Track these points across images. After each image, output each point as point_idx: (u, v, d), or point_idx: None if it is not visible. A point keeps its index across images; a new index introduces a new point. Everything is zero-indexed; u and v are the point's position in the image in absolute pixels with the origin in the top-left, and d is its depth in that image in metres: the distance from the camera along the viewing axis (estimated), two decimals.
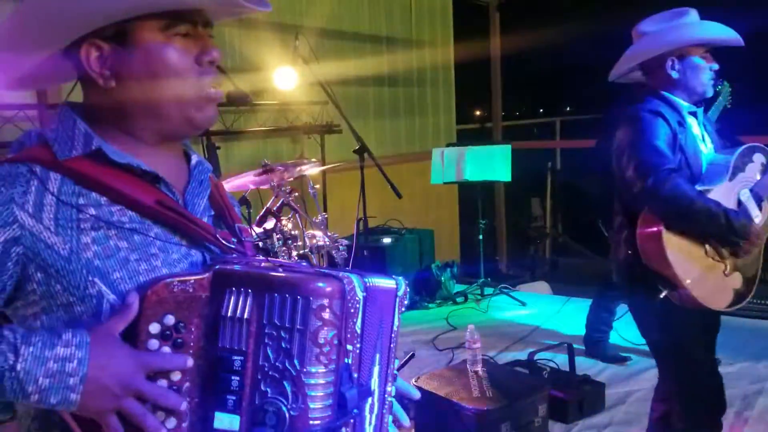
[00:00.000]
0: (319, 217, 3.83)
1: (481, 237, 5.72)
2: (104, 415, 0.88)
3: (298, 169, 3.68)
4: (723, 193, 2.25)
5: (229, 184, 3.43)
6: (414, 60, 6.90)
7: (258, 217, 3.49)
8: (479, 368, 3.27)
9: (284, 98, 5.03)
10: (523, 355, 3.88)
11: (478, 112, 12.04)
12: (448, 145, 5.94)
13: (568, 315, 4.98)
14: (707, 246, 2.23)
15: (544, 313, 5.14)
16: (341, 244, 3.59)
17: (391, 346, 1.01)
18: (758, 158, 2.36)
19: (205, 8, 1.00)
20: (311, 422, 0.87)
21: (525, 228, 8.07)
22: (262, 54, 4.80)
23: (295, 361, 0.87)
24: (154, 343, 0.90)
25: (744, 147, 2.34)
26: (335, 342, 0.88)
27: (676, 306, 2.23)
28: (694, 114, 2.39)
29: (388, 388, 1.02)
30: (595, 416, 3.33)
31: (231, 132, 4.67)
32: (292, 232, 3.47)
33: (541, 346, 3.99)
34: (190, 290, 0.91)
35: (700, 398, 2.39)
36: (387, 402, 1.02)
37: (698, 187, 2.23)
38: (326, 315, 0.87)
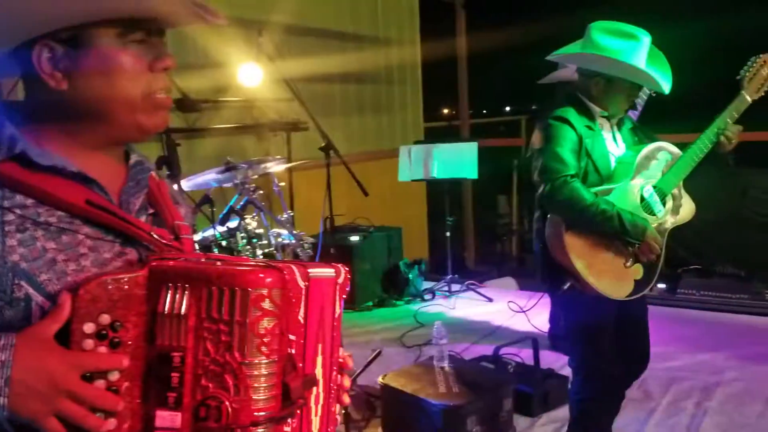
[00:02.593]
0: (285, 216, 3.80)
1: (448, 234, 5.75)
2: (41, 418, 0.86)
3: (263, 166, 3.65)
4: (625, 191, 2.41)
5: (191, 182, 3.39)
6: (381, 57, 6.89)
7: (221, 216, 3.45)
8: (446, 364, 3.28)
9: (249, 95, 4.98)
10: (489, 351, 3.91)
11: (446, 110, 12.07)
12: (415, 143, 5.97)
13: (535, 310, 5.03)
14: (608, 241, 2.38)
15: (511, 308, 5.18)
16: (307, 243, 3.57)
17: (334, 334, 1.02)
18: (662, 156, 2.48)
19: (161, 17, 1.01)
20: (255, 414, 0.87)
21: (492, 225, 8.12)
22: (226, 50, 4.75)
23: (236, 354, 0.86)
24: (89, 343, 0.89)
25: (649, 146, 2.47)
26: (277, 332, 0.88)
27: (590, 296, 2.40)
28: (607, 117, 2.52)
29: (334, 377, 1.03)
30: (559, 409, 3.36)
31: (194, 129, 4.61)
32: (257, 231, 3.43)
33: (506, 341, 4.02)
34: (126, 288, 0.90)
35: (599, 382, 2.56)
36: (333, 391, 1.03)
37: (603, 186, 2.39)
38: (266, 305, 0.87)
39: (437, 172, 5.58)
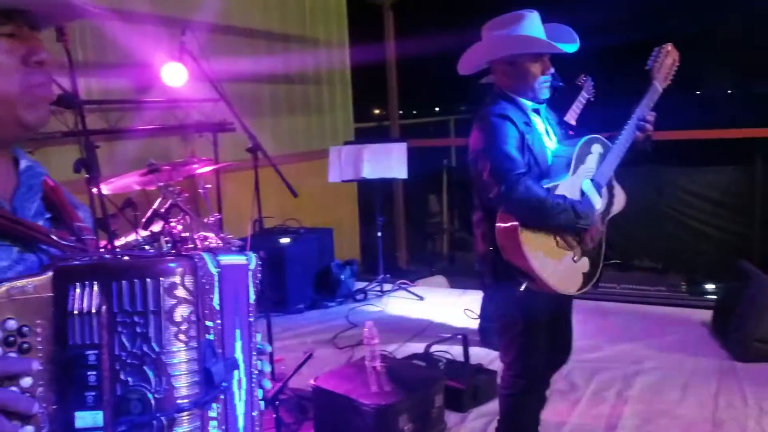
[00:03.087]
0: (212, 218, 3.72)
1: (380, 234, 5.77)
2: None
3: (188, 168, 3.56)
4: (569, 186, 2.46)
5: (111, 185, 3.27)
6: (310, 58, 6.85)
7: (144, 220, 3.35)
8: (377, 364, 3.29)
9: (173, 96, 4.86)
10: (420, 349, 3.95)
11: (376, 111, 12.12)
12: (345, 144, 5.96)
13: (464, 307, 5.12)
14: (557, 237, 2.42)
15: (442, 306, 5.26)
16: (233, 245, 3.51)
17: (250, 320, 1.03)
18: (596, 149, 2.55)
19: (32, 11, 0.99)
20: (179, 401, 0.87)
21: (423, 224, 8.21)
22: (148, 49, 4.61)
23: (154, 345, 0.86)
24: None
25: (584, 140, 2.52)
26: (193, 319, 0.89)
27: (532, 294, 2.42)
28: (537, 111, 2.56)
29: (254, 362, 1.04)
30: (488, 403, 3.43)
31: (114, 131, 4.46)
32: (183, 235, 3.35)
33: (437, 338, 4.07)
34: (31, 292, 0.88)
35: (530, 372, 2.63)
36: (254, 376, 1.04)
37: (547, 184, 2.42)
38: (180, 293, 0.88)
39: (367, 173, 5.60)
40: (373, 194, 5.91)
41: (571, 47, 2.54)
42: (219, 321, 0.94)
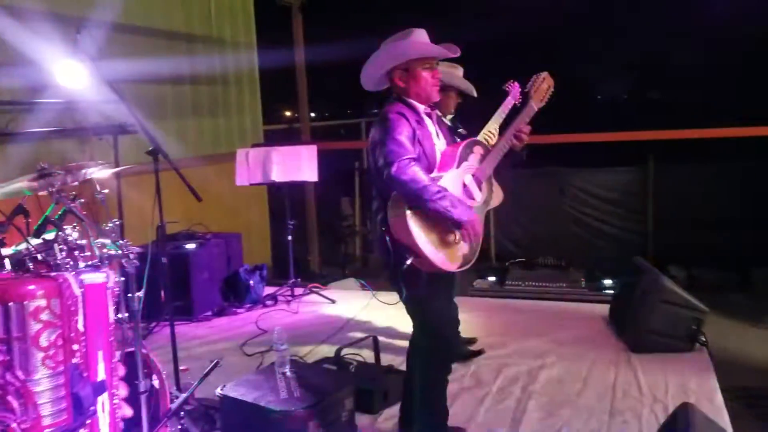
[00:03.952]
0: (110, 225, 3.56)
1: (290, 238, 5.71)
2: None
3: (83, 172, 3.38)
4: (452, 179, 2.78)
5: (1, 192, 3.07)
6: (216, 59, 6.71)
7: (36, 227, 3.16)
8: (287, 369, 3.25)
9: (70, 97, 4.62)
10: (332, 352, 3.93)
11: (287, 113, 11.99)
12: (253, 146, 5.85)
13: (376, 309, 5.15)
14: (440, 221, 2.68)
15: (353, 308, 5.26)
16: (132, 252, 3.37)
17: (110, 340, 0.99)
18: (477, 150, 2.91)
19: None
20: (46, 430, 0.81)
21: (336, 227, 8.20)
22: (41, 48, 4.37)
23: (18, 372, 0.81)
24: None
25: (466, 141, 2.90)
26: (60, 343, 0.84)
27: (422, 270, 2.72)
28: (429, 115, 2.90)
29: (115, 383, 1.00)
30: (398, 404, 3.44)
31: (5, 134, 4.20)
32: (78, 242, 3.18)
33: (349, 341, 4.07)
34: None
35: (439, 340, 2.91)
36: (116, 399, 1.00)
37: (433, 174, 2.73)
38: (46, 316, 0.83)
39: (276, 176, 5.53)
40: (283, 197, 5.84)
41: (454, 52, 2.91)
42: (84, 343, 0.90)
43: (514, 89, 3.68)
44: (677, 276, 7.45)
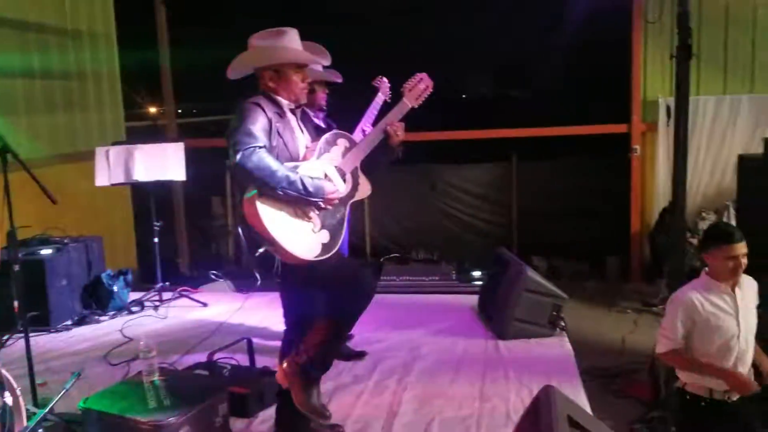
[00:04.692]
0: None
1: (157, 240, 5.45)
2: None
3: None
4: (311, 168, 2.79)
5: None
6: (71, 51, 6.28)
7: None
8: (156, 378, 3.11)
9: None
10: (204, 358, 3.81)
11: (153, 109, 11.46)
12: (114, 144, 5.54)
13: (250, 310, 5.04)
14: (296, 209, 2.70)
15: (226, 311, 5.12)
16: None
17: None
18: (342, 143, 2.95)
19: None
20: None
21: (207, 227, 7.94)
22: None
23: None
24: None
25: (329, 133, 2.94)
26: None
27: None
28: (293, 111, 2.91)
29: None
30: (275, 405, 3.39)
31: None
32: None
33: (222, 345, 3.95)
34: None
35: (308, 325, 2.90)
36: None
37: (290, 163, 2.73)
38: None
39: (140, 175, 5.27)
40: (149, 198, 5.56)
41: (325, 60, 3.05)
42: None
43: (383, 85, 3.80)
44: (539, 266, 7.90)
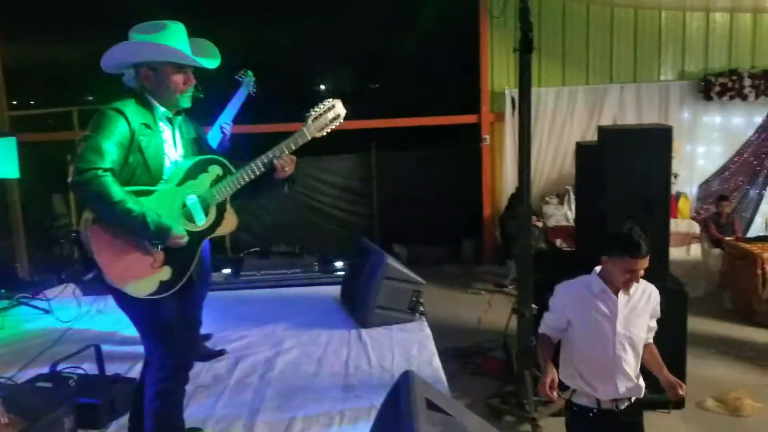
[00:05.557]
0: None
1: None
2: None
3: None
4: (165, 196, 2.52)
5: None
6: None
7: None
8: None
9: None
10: (47, 369, 3.52)
11: None
12: None
13: (100, 315, 4.74)
14: (136, 241, 2.45)
15: (71, 317, 4.77)
16: None
17: None
18: (214, 170, 2.63)
19: None
20: None
21: (48, 227, 7.36)
22: None
23: None
24: None
25: (201, 158, 2.64)
26: None
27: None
28: (170, 120, 2.61)
29: None
30: (128, 413, 3.21)
31: None
32: None
33: (67, 354, 3.67)
34: None
35: (172, 372, 2.67)
36: None
37: (147, 187, 2.48)
38: None
39: None
40: None
41: (212, 62, 2.64)
42: None
43: (248, 78, 3.57)
44: (400, 253, 8.10)
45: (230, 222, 2.71)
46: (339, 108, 2.74)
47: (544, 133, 8.12)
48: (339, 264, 5.68)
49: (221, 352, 3.98)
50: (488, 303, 6.74)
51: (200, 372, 3.73)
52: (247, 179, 2.62)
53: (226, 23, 7.38)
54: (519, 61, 4.63)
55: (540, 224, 7.43)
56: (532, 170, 5.17)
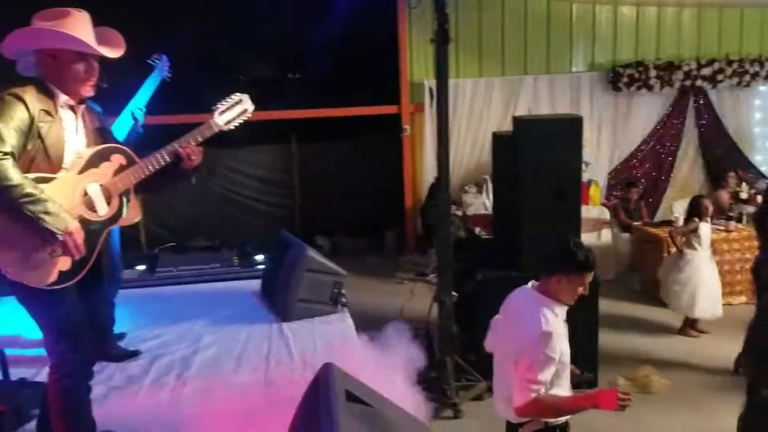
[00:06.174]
0: None
1: None
2: None
3: None
4: (66, 184, 2.48)
5: None
6: None
7: None
8: None
9: None
10: None
11: None
12: None
13: (2, 316, 4.48)
14: (33, 228, 2.36)
15: None
16: None
17: None
18: (117, 159, 2.61)
19: None
20: None
21: None
22: None
23: None
24: None
25: (102, 147, 2.61)
26: None
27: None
28: (73, 108, 2.57)
29: None
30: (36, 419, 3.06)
31: None
32: None
33: None
34: None
35: (65, 346, 2.57)
36: None
37: (46, 174, 2.43)
38: None
39: None
40: None
41: (115, 52, 2.60)
42: None
43: (161, 62, 3.49)
44: (323, 245, 8.07)
45: (134, 212, 2.69)
46: (246, 103, 2.81)
47: (463, 124, 8.26)
48: (259, 258, 5.58)
49: (135, 353, 3.84)
50: (410, 292, 6.80)
51: (113, 373, 3.59)
52: (152, 169, 2.62)
53: (144, 9, 7.13)
54: (435, 52, 4.68)
55: (460, 213, 7.57)
56: (452, 160, 5.24)
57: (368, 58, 8.45)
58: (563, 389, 2.73)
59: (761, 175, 8.74)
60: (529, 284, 2.82)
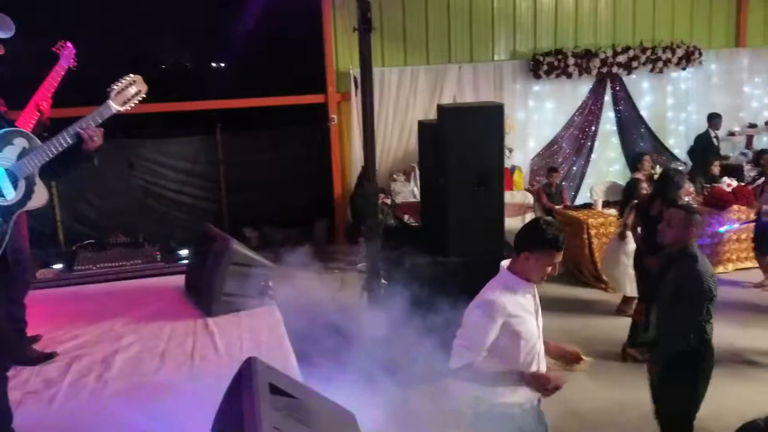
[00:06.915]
0: None
1: None
2: None
3: None
4: None
5: None
6: None
7: None
8: None
9: None
10: None
11: None
12: None
13: None
14: None
15: None
16: None
17: None
18: (20, 142, 2.63)
19: None
20: None
21: None
22: None
23: None
24: None
25: (4, 131, 2.61)
26: None
27: None
28: None
29: None
30: None
31: None
32: None
33: None
34: None
35: None
36: None
37: None
38: None
39: None
40: None
41: (4, 33, 2.67)
42: None
43: (67, 50, 3.45)
44: (251, 236, 7.95)
45: (41, 195, 2.70)
46: (140, 83, 2.88)
47: (390, 113, 8.28)
48: (183, 252, 5.45)
49: (51, 355, 3.67)
50: (341, 281, 6.79)
51: (29, 378, 3.42)
52: (55, 151, 2.65)
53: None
54: (359, 40, 4.66)
55: (388, 201, 7.60)
56: (379, 149, 5.27)
57: (293, 47, 8.36)
58: (533, 366, 2.80)
59: (674, 158, 9.17)
60: (503, 262, 2.88)
